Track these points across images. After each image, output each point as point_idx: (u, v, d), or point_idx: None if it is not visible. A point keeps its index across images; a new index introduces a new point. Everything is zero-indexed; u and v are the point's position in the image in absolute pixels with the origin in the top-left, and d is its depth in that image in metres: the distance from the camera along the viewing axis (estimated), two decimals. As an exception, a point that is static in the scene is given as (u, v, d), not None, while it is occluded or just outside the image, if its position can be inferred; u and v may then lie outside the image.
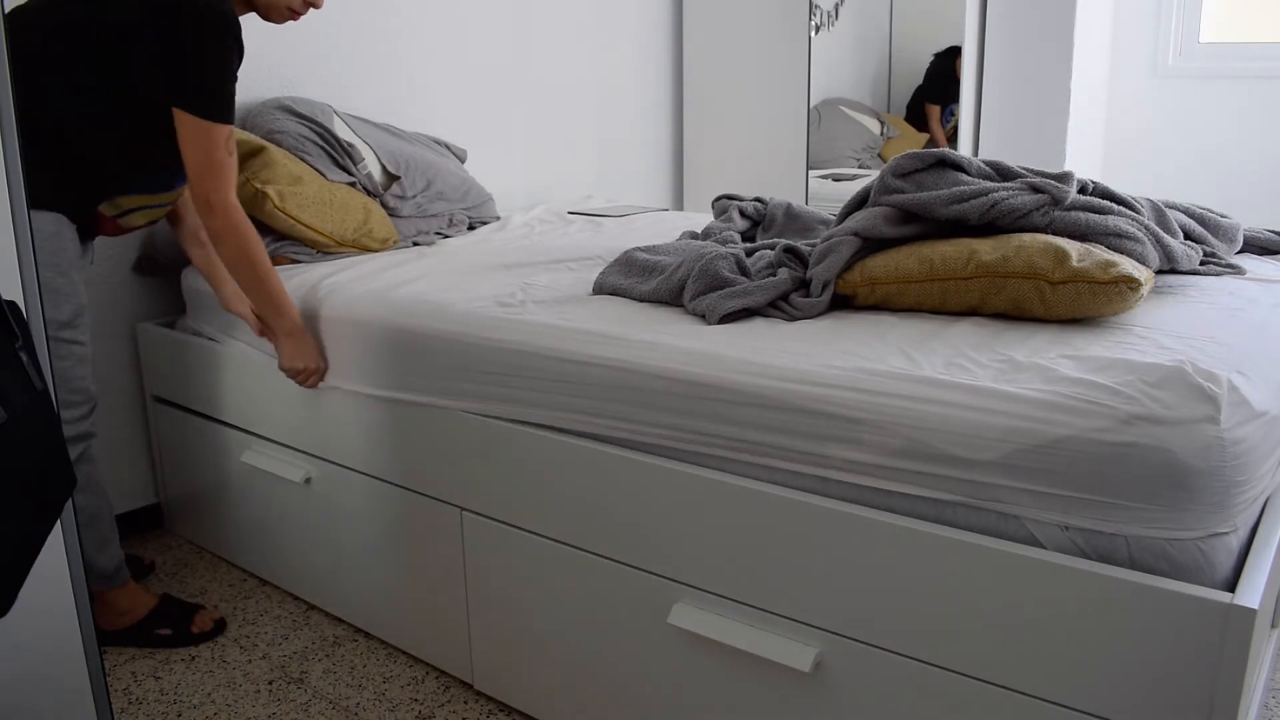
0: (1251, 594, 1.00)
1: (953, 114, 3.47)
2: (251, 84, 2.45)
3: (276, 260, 2.20)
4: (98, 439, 1.83)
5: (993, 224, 1.50)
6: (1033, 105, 3.39)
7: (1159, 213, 1.62)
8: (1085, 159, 3.63)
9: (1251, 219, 1.95)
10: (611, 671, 1.52)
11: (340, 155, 2.37)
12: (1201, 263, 1.65)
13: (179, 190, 1.85)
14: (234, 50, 1.66)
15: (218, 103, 1.64)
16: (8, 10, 1.65)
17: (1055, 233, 1.49)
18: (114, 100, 1.66)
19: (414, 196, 2.41)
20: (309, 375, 1.83)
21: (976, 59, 3.46)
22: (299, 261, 2.20)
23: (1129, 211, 1.55)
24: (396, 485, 1.75)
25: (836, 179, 3.60)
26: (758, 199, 2.09)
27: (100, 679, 1.21)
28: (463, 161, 2.73)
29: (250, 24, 2.49)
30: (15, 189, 1.04)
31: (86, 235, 1.78)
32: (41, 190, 1.57)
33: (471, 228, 2.55)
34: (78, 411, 1.75)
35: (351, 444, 1.81)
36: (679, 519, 1.38)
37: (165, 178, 1.80)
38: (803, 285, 1.54)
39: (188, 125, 1.63)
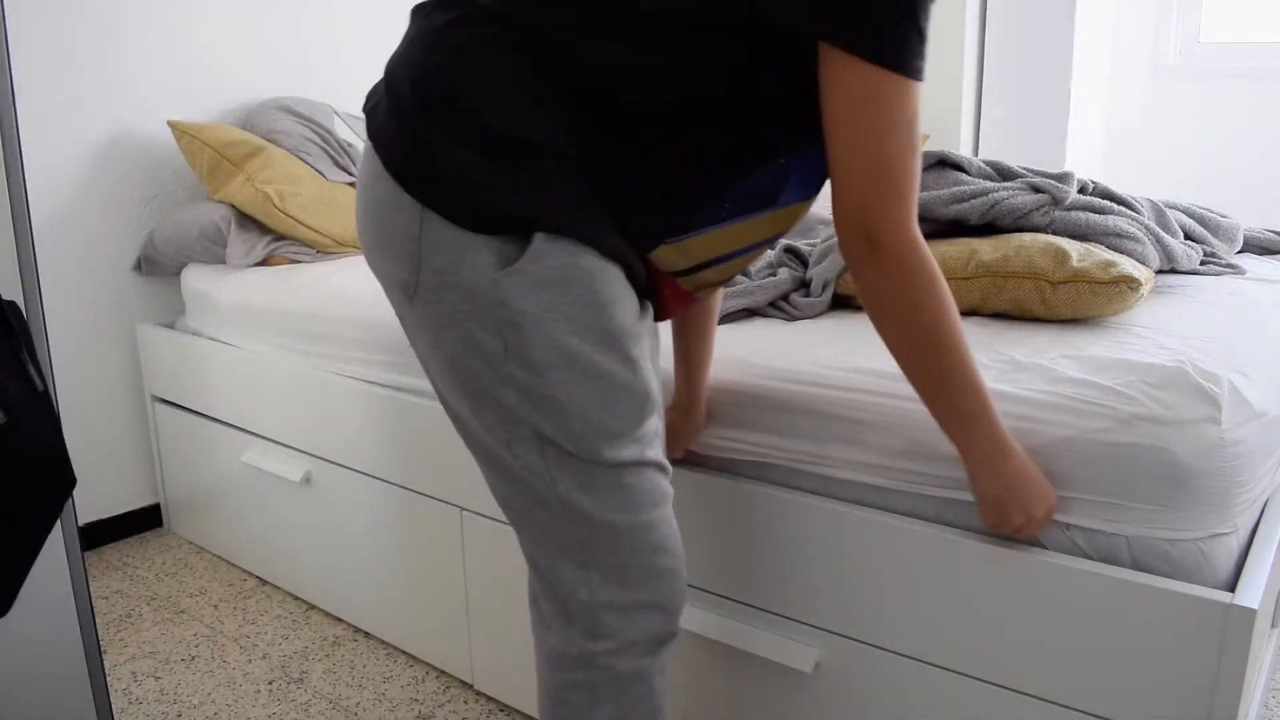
0: (1251, 594, 1.00)
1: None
2: (251, 84, 2.45)
3: (274, 261, 2.20)
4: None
5: (993, 224, 1.50)
6: (1033, 105, 3.39)
7: (1159, 213, 1.62)
8: (1085, 159, 3.63)
9: (1251, 219, 1.95)
10: (611, 671, 1.51)
11: (340, 155, 2.37)
12: (1201, 263, 1.65)
13: (769, 214, 1.03)
14: None
15: (896, 35, 0.86)
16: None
17: (1055, 233, 1.49)
18: (688, 41, 0.91)
19: (415, 196, 2.40)
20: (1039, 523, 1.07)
21: (977, 59, 3.46)
22: (299, 261, 2.20)
23: (1129, 211, 1.55)
24: (396, 485, 1.75)
25: (836, 179, 3.60)
26: (758, 199, 2.09)
27: (100, 679, 1.21)
28: (463, 161, 2.72)
29: (247, 26, 2.50)
30: (15, 189, 1.04)
31: (640, 293, 1.01)
32: (573, 215, 0.94)
33: (471, 228, 2.55)
34: (652, 593, 1.06)
35: (351, 444, 1.81)
36: (679, 519, 1.37)
37: (758, 193, 1.00)
38: (803, 285, 1.54)
39: (844, 74, 0.87)
